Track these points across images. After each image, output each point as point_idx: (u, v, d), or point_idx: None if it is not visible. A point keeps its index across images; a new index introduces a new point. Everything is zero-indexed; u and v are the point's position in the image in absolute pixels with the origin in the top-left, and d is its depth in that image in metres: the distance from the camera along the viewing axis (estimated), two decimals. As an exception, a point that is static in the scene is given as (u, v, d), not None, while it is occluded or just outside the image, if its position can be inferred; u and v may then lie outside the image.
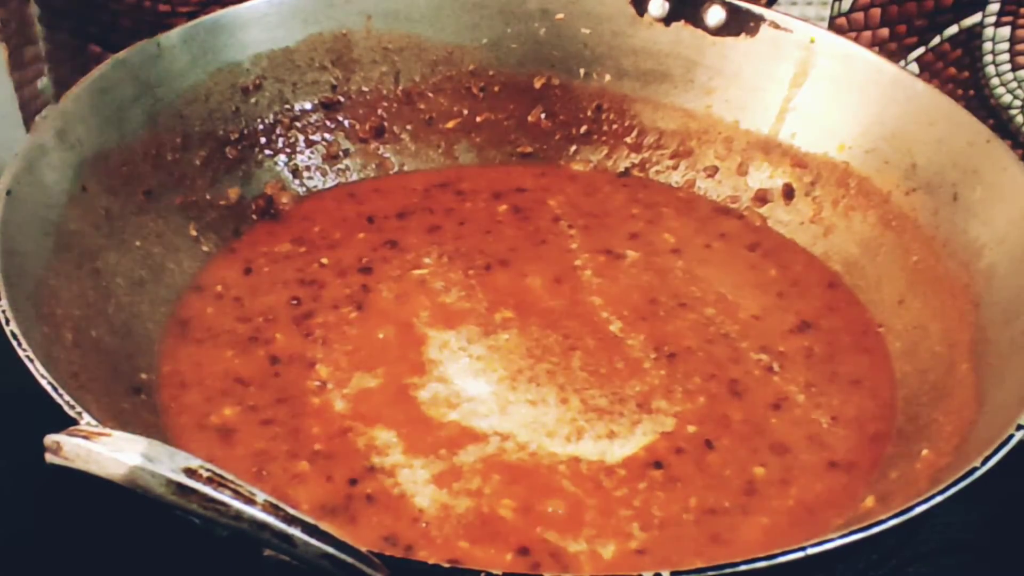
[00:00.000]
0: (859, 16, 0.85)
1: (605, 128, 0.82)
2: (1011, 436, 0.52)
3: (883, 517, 0.48)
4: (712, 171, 0.81)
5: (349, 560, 0.45)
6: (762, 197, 0.79)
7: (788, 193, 0.78)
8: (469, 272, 0.73)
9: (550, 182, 0.81)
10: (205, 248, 0.73)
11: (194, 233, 0.73)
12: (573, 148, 0.83)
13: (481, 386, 0.65)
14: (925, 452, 0.59)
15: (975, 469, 0.51)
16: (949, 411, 0.61)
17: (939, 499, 0.49)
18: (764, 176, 0.79)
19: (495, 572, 0.45)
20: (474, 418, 0.63)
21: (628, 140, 0.82)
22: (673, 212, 0.79)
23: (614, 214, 0.79)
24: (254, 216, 0.76)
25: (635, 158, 0.82)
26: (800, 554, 0.47)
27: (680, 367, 0.67)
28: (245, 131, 0.77)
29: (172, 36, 0.73)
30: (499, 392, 0.65)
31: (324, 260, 0.74)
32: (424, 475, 0.60)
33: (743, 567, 0.46)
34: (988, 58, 0.86)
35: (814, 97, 0.77)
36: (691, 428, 0.64)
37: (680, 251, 0.76)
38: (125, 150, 0.70)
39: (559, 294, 0.72)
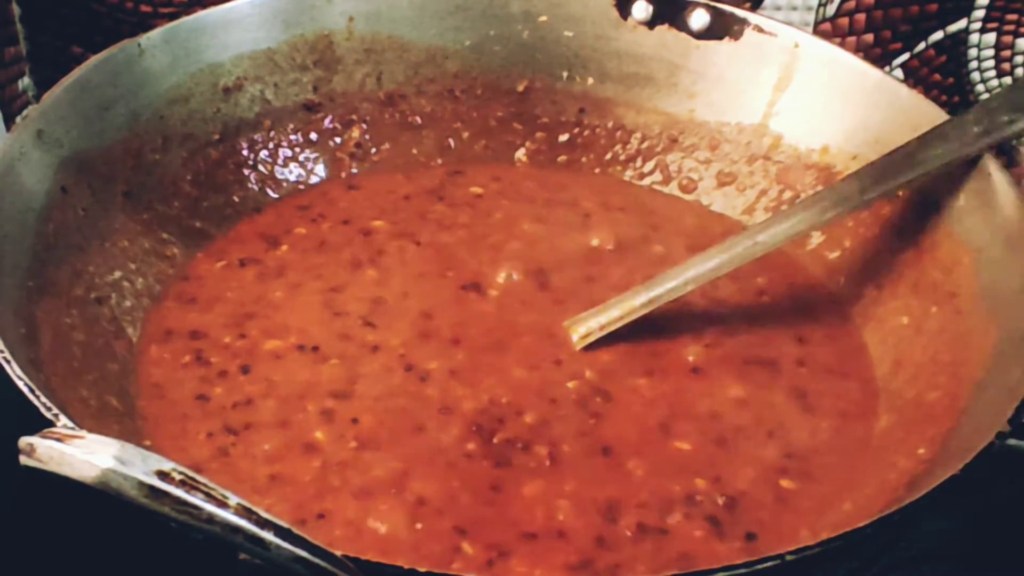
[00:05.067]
0: (844, 21, 0.85)
1: (587, 132, 0.82)
2: (991, 443, 0.52)
3: (861, 524, 0.48)
4: (694, 176, 0.80)
5: (323, 564, 0.44)
6: (745, 202, 0.79)
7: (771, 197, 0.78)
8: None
9: (533, 181, 0.81)
10: (185, 249, 0.73)
11: (174, 234, 0.73)
12: (554, 151, 0.82)
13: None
14: (902, 459, 0.59)
15: (954, 476, 0.50)
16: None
17: (917, 506, 0.49)
18: (747, 181, 0.79)
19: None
20: None
21: (610, 143, 0.82)
22: (654, 216, 0.79)
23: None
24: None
25: (617, 161, 0.82)
26: (777, 560, 0.46)
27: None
28: (226, 131, 0.77)
29: (154, 37, 0.73)
30: None
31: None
32: None
33: (720, 574, 0.46)
34: (973, 64, 0.86)
35: (798, 101, 0.77)
36: None
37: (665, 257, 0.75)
38: (105, 150, 0.70)
39: None
